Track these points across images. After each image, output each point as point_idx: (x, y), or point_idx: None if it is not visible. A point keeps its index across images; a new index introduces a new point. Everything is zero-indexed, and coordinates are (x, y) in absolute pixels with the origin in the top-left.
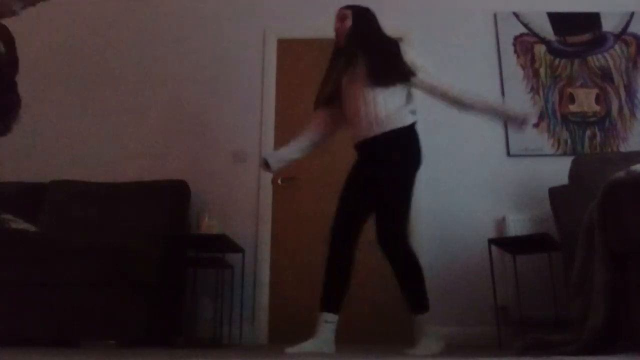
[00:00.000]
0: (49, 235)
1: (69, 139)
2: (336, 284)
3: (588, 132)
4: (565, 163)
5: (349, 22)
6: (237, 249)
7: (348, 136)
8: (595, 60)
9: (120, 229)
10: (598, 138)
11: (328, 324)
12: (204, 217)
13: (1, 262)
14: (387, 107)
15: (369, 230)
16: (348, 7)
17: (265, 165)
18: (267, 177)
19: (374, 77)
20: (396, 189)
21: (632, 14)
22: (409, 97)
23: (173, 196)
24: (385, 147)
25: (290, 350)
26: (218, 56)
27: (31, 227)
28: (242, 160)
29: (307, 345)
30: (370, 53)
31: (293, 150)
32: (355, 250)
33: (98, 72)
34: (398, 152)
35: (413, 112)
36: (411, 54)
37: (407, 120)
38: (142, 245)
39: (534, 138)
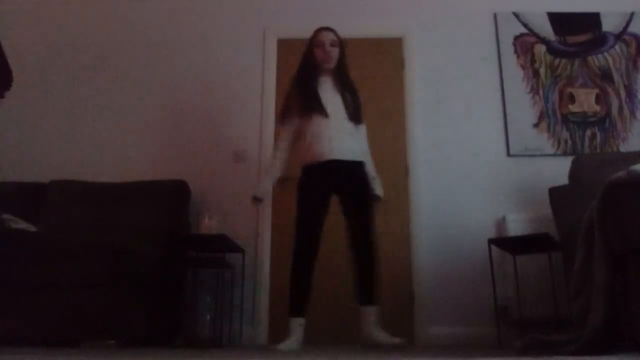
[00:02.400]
0: (49, 235)
1: (69, 139)
2: (307, 287)
3: (588, 132)
4: (565, 163)
5: (337, 51)
6: (237, 249)
7: None
8: (595, 60)
9: (120, 229)
10: (598, 138)
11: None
12: (204, 217)
13: (1, 262)
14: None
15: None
16: (336, 34)
17: (257, 200)
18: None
19: (356, 115)
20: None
21: (632, 14)
22: None
23: (173, 196)
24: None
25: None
26: (218, 56)
27: (31, 227)
28: (242, 160)
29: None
30: (353, 92)
31: (277, 171)
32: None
33: (98, 72)
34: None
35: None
36: None
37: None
38: (142, 245)
39: (534, 138)
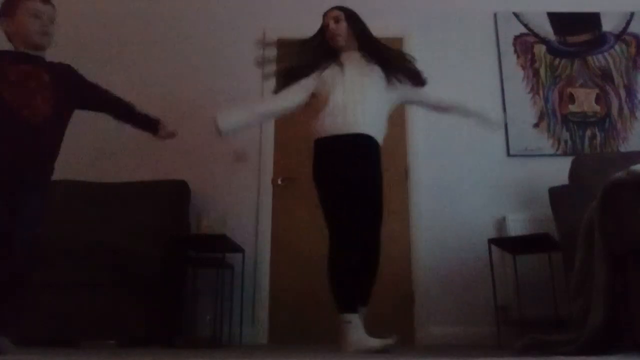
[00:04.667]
0: (49, 235)
1: (69, 139)
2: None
3: (588, 132)
4: (565, 163)
5: (344, 24)
6: (237, 249)
7: None
8: (595, 60)
9: (120, 229)
10: (598, 138)
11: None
12: (204, 217)
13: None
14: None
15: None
16: (338, 8)
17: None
18: (267, 177)
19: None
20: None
21: (632, 14)
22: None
23: (173, 196)
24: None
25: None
26: (218, 56)
27: None
28: (242, 160)
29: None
30: (382, 57)
31: (255, 115)
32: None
33: (97, 72)
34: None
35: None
36: None
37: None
38: (142, 245)
39: (534, 138)
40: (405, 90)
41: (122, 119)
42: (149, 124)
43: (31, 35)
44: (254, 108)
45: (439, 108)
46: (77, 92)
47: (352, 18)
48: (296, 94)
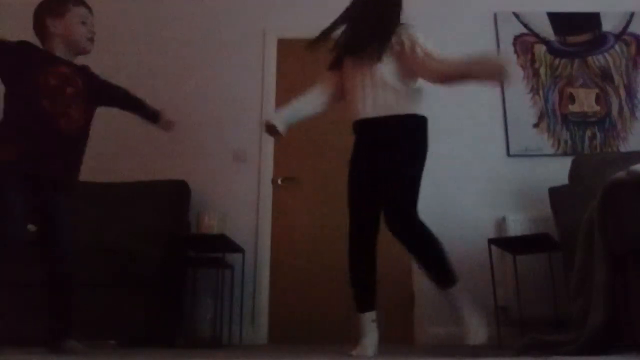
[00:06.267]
0: None
1: None
2: (367, 282)
3: (588, 132)
4: (565, 163)
5: None
6: (237, 249)
7: (348, 136)
8: (595, 60)
9: (120, 229)
10: (598, 138)
11: (374, 322)
12: (204, 217)
13: (1, 262)
14: (391, 89)
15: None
16: None
17: (271, 128)
18: (267, 177)
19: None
20: (403, 173)
21: (632, 14)
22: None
23: (173, 196)
24: (386, 131)
25: (356, 353)
26: (218, 56)
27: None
28: (242, 159)
29: (369, 347)
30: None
31: (302, 107)
32: (375, 247)
33: (97, 72)
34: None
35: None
36: (417, 37)
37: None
38: (142, 245)
39: (534, 138)
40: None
41: (130, 110)
42: (153, 115)
43: (81, 41)
44: (292, 103)
45: (441, 75)
46: (99, 93)
47: None
48: (330, 86)
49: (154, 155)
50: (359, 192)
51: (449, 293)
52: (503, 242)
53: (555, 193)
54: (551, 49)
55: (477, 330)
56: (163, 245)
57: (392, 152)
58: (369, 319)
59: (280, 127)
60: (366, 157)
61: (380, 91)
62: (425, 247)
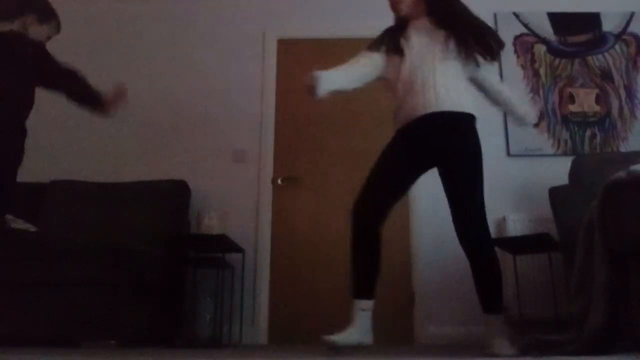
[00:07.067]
0: (49, 235)
1: (69, 139)
2: (366, 266)
3: (588, 132)
4: (565, 163)
5: None
6: (237, 249)
7: (347, 135)
8: (595, 60)
9: (120, 229)
10: (598, 138)
11: (364, 312)
12: (203, 217)
13: (1, 262)
14: (458, 86)
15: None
16: None
17: (311, 89)
18: (267, 177)
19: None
20: (474, 176)
21: (632, 14)
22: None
23: (173, 196)
24: (452, 128)
25: (334, 338)
26: (218, 56)
27: (31, 227)
28: (242, 160)
29: (352, 336)
30: (457, 25)
31: (345, 77)
32: (381, 228)
33: (97, 72)
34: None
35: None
36: None
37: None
38: (142, 245)
39: (534, 138)
40: (473, 66)
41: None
42: (96, 99)
43: None
44: (332, 71)
45: (491, 97)
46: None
47: None
48: (365, 62)
49: (154, 155)
50: (387, 175)
51: (498, 318)
52: (503, 242)
53: (555, 193)
54: (551, 49)
55: (504, 345)
56: (163, 245)
57: (462, 156)
58: (358, 307)
59: (320, 92)
60: (414, 148)
61: (452, 86)
62: (491, 267)
